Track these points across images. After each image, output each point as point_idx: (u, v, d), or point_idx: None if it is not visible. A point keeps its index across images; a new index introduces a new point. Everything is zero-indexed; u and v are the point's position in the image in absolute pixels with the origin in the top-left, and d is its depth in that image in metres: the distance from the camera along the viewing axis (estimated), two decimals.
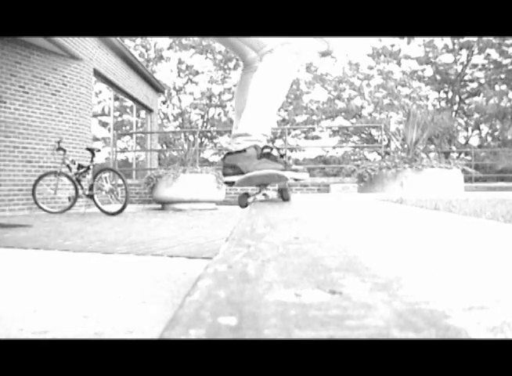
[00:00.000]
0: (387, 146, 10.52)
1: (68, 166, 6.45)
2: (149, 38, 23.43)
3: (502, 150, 17.89)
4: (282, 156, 1.64)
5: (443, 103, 23.28)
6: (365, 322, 0.31)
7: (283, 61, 1.61)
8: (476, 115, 22.20)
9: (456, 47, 21.50)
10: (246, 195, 1.82)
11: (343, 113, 23.35)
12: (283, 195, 1.80)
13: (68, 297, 1.60)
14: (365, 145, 22.63)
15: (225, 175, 1.66)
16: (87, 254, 2.53)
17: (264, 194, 1.82)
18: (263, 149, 1.60)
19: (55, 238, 3.27)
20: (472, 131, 23.11)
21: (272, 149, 1.59)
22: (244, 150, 1.59)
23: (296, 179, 1.67)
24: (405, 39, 22.00)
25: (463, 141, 22.85)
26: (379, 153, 10.19)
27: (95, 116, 9.49)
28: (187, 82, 24.26)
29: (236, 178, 1.63)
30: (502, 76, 21.10)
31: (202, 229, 3.96)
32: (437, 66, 22.18)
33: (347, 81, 22.98)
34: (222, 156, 1.74)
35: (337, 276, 0.45)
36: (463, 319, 0.32)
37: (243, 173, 1.61)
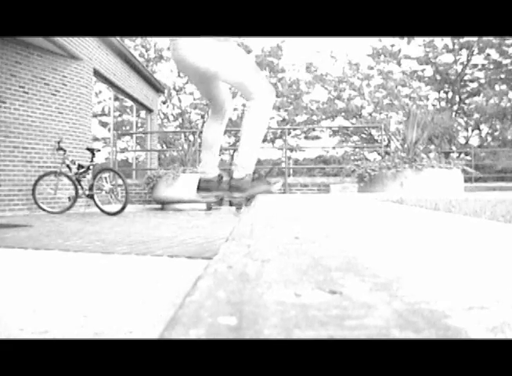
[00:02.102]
0: (387, 146, 10.53)
1: (68, 166, 6.45)
2: (149, 38, 23.43)
3: (502, 150, 17.90)
4: (265, 176, 2.26)
5: (443, 103, 23.29)
6: (365, 322, 0.31)
7: (266, 104, 2.17)
8: (476, 115, 22.21)
9: (456, 47, 21.51)
10: (221, 200, 2.45)
11: (343, 113, 23.36)
12: (250, 201, 2.36)
13: (68, 297, 1.60)
14: (365, 145, 22.63)
15: (231, 192, 2.29)
16: (87, 254, 2.53)
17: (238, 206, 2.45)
18: (253, 174, 2.24)
19: (55, 238, 3.27)
20: (472, 131, 23.12)
21: (259, 173, 2.24)
22: (243, 178, 2.22)
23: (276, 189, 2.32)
24: (405, 39, 21.99)
25: (463, 141, 22.86)
26: (379, 153, 10.19)
27: (95, 116, 9.48)
28: (187, 82, 24.25)
29: (238, 195, 2.26)
30: (502, 76, 21.11)
31: (202, 229, 3.96)
32: (437, 66, 22.19)
33: (347, 81, 22.98)
34: (218, 178, 2.40)
35: (337, 276, 0.45)
36: (463, 319, 0.32)
37: (244, 191, 2.23)
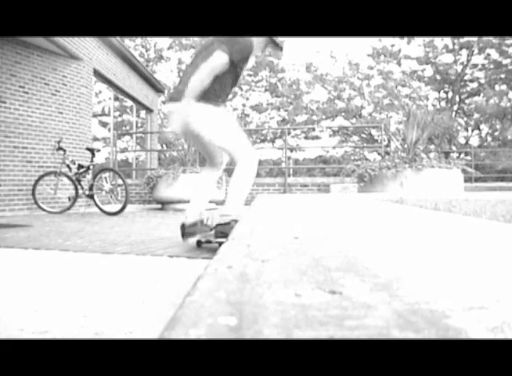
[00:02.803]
0: (387, 146, 10.52)
1: (68, 166, 6.45)
2: (149, 38, 23.41)
3: (503, 150, 17.89)
4: None
5: (443, 103, 23.28)
6: (365, 322, 0.31)
7: (250, 166, 2.53)
8: (476, 115, 22.20)
9: (456, 47, 21.49)
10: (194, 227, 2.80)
11: (343, 113, 23.34)
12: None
13: (68, 297, 1.60)
14: (365, 145, 22.63)
15: (217, 236, 2.56)
16: (87, 254, 2.53)
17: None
18: (237, 221, 2.51)
19: (55, 238, 3.27)
20: (472, 131, 23.11)
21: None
22: (229, 223, 2.48)
23: None
24: (405, 39, 21.98)
25: (463, 141, 22.84)
26: (379, 153, 10.19)
27: (95, 116, 9.48)
28: None
29: (224, 239, 2.41)
30: (503, 76, 21.10)
31: None
32: (437, 66, 22.18)
33: (347, 81, 22.97)
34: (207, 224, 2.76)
35: (337, 276, 0.45)
36: (463, 319, 0.32)
37: (227, 236, 2.40)
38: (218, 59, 2.38)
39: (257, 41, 2.59)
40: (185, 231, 2.74)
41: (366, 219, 1.30)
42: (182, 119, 2.51)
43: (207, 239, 2.74)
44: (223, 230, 2.51)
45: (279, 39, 2.69)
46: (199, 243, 2.78)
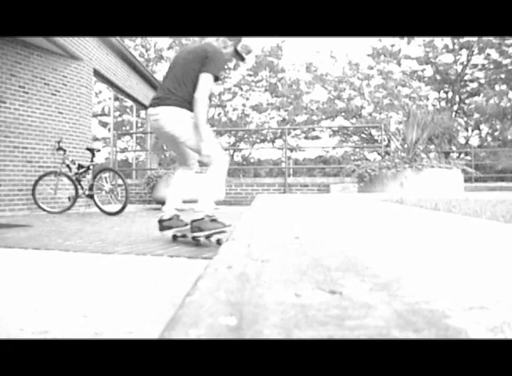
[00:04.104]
0: (387, 146, 10.52)
1: (68, 166, 6.45)
2: (149, 38, 23.40)
3: (503, 150, 17.89)
4: (216, 220, 2.83)
5: (443, 103, 23.27)
6: (365, 322, 0.31)
7: (220, 167, 2.80)
8: (476, 115, 22.18)
9: (456, 47, 21.48)
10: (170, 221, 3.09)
11: (343, 113, 23.32)
12: (209, 238, 2.92)
13: (68, 297, 1.60)
14: (365, 145, 22.63)
15: (193, 231, 2.81)
16: (87, 254, 2.53)
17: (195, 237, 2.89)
18: (211, 217, 2.80)
19: (55, 238, 3.27)
20: (472, 131, 23.09)
21: (214, 217, 2.82)
22: (203, 218, 2.78)
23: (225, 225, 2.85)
24: (405, 39, 21.97)
25: (463, 141, 22.83)
26: (379, 153, 10.19)
27: (95, 116, 9.48)
28: None
29: (198, 234, 2.80)
30: (503, 76, 21.09)
31: None
32: (437, 66, 22.16)
33: (347, 81, 22.95)
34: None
35: (337, 276, 0.45)
36: (463, 319, 0.32)
37: (203, 230, 2.79)
38: (209, 83, 2.74)
39: (227, 55, 3.02)
40: (162, 225, 3.05)
41: (366, 219, 1.30)
42: (160, 122, 2.80)
43: (182, 233, 2.98)
44: (198, 225, 2.78)
45: (244, 49, 3.20)
46: (174, 237, 3.06)
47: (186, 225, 3.02)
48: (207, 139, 2.75)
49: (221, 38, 2.99)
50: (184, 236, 2.97)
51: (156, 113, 2.81)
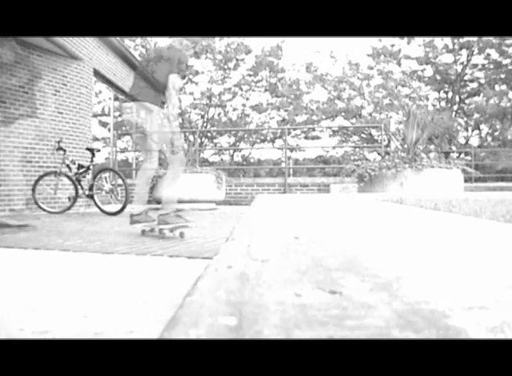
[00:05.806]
0: (387, 146, 10.52)
1: (68, 166, 6.44)
2: (149, 38, 23.39)
3: (503, 150, 17.89)
4: (180, 215, 3.28)
5: (443, 103, 23.25)
6: (365, 322, 0.31)
7: (175, 175, 3.47)
8: (476, 115, 22.17)
9: (456, 47, 21.47)
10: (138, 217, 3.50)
11: (343, 113, 23.31)
12: (172, 231, 3.33)
13: (68, 297, 1.60)
14: (365, 145, 22.62)
15: (160, 224, 3.24)
16: (87, 254, 2.53)
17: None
18: (176, 211, 3.28)
19: (55, 238, 3.27)
20: (472, 131, 23.08)
21: (178, 211, 3.30)
22: (168, 213, 3.24)
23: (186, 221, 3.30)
24: (405, 39, 21.95)
25: (463, 141, 22.82)
26: (379, 153, 10.19)
27: (95, 116, 9.47)
28: (187, 82, 24.25)
29: (164, 227, 3.22)
30: (502, 76, 21.08)
31: (202, 229, 3.95)
32: (437, 66, 22.15)
33: (347, 81, 22.94)
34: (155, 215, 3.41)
35: (337, 276, 0.45)
36: (463, 319, 0.32)
37: (168, 224, 3.21)
38: (178, 82, 3.42)
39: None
40: (132, 219, 3.46)
41: (366, 219, 1.30)
42: (137, 118, 3.34)
43: (151, 227, 3.37)
44: (164, 219, 3.22)
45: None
46: (143, 232, 3.40)
47: (154, 220, 3.38)
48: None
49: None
50: (152, 230, 3.35)
51: (126, 107, 3.47)
